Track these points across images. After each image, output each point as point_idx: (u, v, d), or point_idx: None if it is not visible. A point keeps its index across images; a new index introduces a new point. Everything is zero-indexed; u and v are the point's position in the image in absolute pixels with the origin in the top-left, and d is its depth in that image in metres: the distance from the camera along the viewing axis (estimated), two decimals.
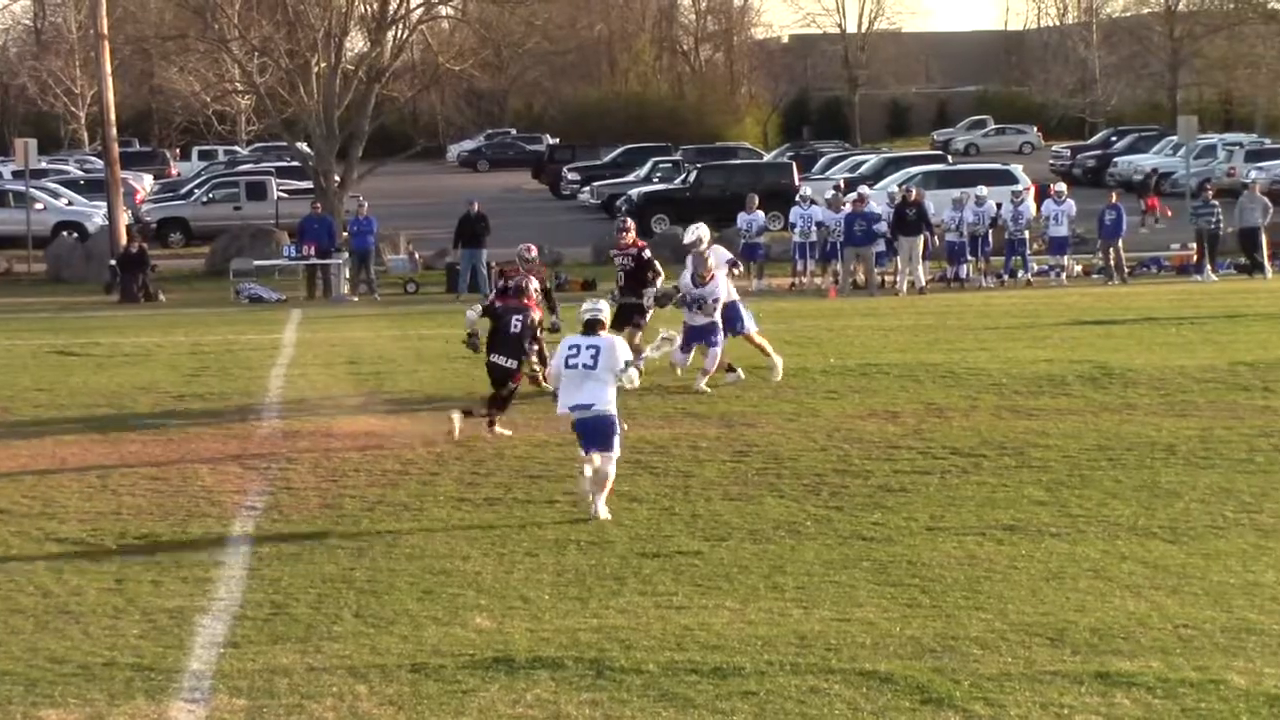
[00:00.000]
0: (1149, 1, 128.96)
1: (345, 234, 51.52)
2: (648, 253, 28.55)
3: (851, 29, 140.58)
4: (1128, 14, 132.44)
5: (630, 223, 29.85)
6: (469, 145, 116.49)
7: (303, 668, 13.20)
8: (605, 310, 20.37)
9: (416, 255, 54.95)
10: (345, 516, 18.64)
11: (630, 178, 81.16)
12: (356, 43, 62.60)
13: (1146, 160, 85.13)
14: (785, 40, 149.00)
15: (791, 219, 49.72)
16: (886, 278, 47.88)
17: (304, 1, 60.67)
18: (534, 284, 24.53)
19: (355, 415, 25.69)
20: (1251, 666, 12.78)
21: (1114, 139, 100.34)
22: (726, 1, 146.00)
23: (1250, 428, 22.74)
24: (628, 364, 19.24)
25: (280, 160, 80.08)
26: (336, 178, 57.76)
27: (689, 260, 27.18)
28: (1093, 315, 38.04)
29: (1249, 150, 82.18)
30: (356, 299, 48.44)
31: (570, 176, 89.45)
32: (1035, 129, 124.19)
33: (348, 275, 49.93)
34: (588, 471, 18.36)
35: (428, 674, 12.98)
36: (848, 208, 48.09)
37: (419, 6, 62.49)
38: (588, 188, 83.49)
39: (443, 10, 65.35)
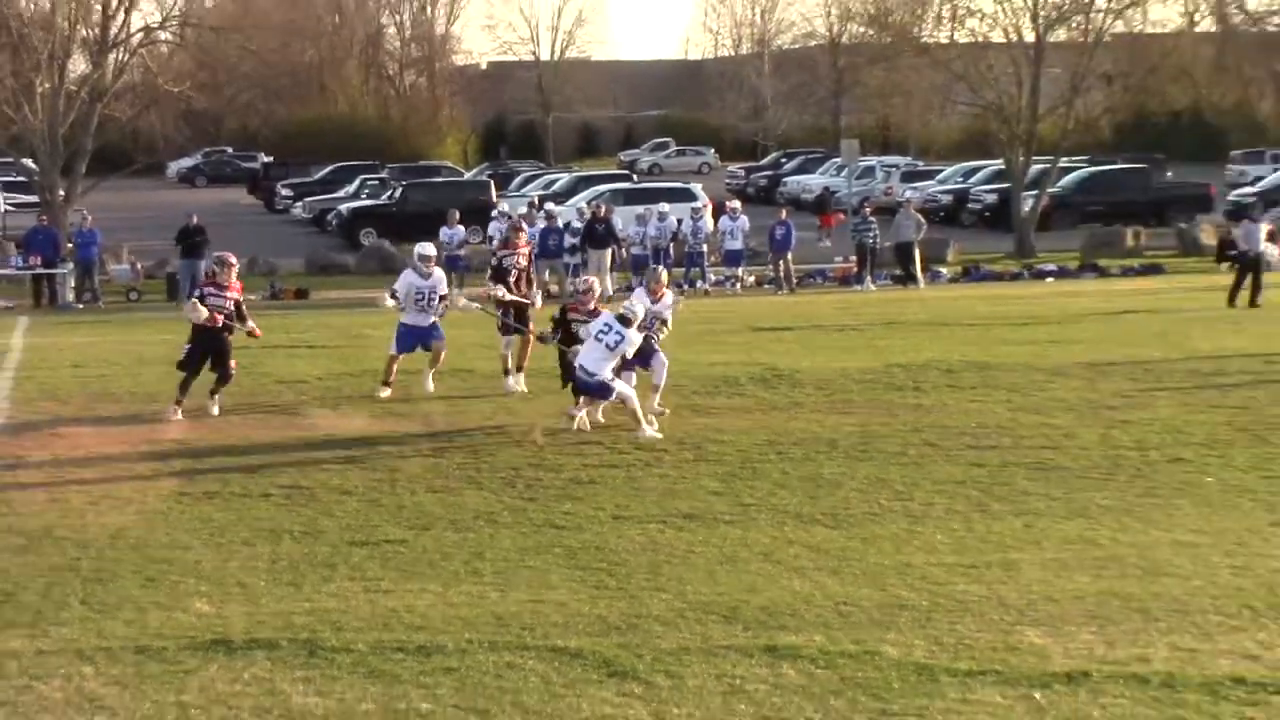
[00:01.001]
0: (815, 35, 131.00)
1: (70, 245, 50.73)
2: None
3: (545, 57, 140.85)
4: (796, 46, 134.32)
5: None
6: (187, 162, 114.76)
7: (31, 651, 13.05)
8: (640, 312, 23.43)
9: (138, 265, 54.25)
10: (71, 510, 18.38)
11: (340, 194, 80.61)
12: (79, 64, 61.58)
13: (813, 180, 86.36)
14: (484, 67, 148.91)
15: (490, 232, 49.87)
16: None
17: (28, 25, 59.63)
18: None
19: (80, 415, 25.35)
20: (903, 639, 13.10)
21: (784, 160, 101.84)
22: (429, 30, 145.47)
23: (903, 424, 23.25)
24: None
25: (6, 175, 78.39)
26: (61, 192, 56.85)
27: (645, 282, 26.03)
28: (765, 322, 38.59)
29: (904, 171, 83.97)
30: (81, 306, 47.74)
31: (284, 192, 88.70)
32: (713, 151, 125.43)
33: (73, 284, 49.22)
34: (575, 423, 23.09)
35: (151, 655, 12.89)
36: (543, 223, 48.34)
37: (139, 31, 61.84)
38: (300, 203, 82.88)
39: (161, 35, 64.40)
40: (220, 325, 25.02)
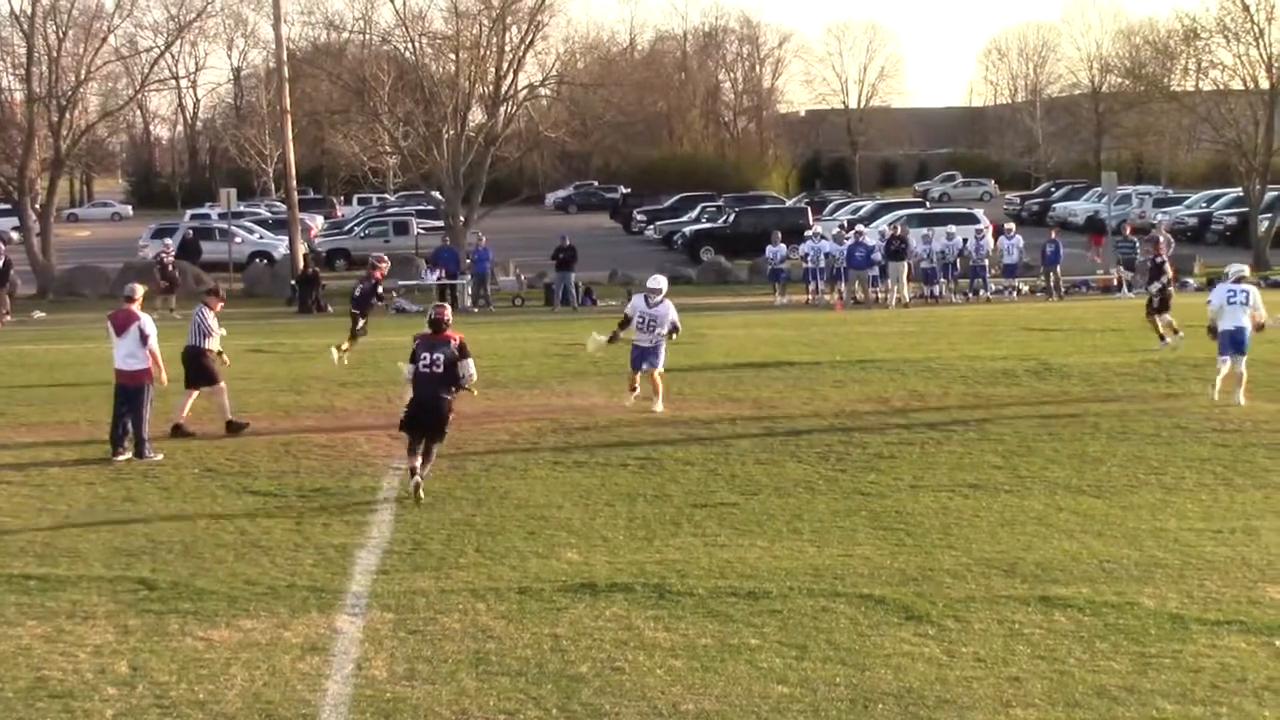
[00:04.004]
0: (1079, 85, 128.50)
1: (468, 260, 51.68)
2: (1161, 257, 32.44)
3: (853, 105, 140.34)
4: (1063, 94, 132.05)
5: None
6: (562, 193, 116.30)
7: (436, 590, 13.26)
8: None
9: (522, 277, 55.01)
10: (468, 475, 18.66)
11: (685, 218, 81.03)
12: (477, 115, 62.36)
13: (1078, 206, 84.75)
14: (802, 114, 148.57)
15: (805, 249, 49.63)
16: (879, 295, 47.74)
17: (437, 84, 60.73)
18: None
19: (475, 398, 25.69)
20: (1158, 592, 12.74)
21: (1053, 189, 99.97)
22: (758, 84, 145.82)
23: (1157, 410, 22.62)
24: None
25: (419, 204, 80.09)
26: (461, 218, 57.85)
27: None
28: (1037, 324, 37.88)
29: (1156, 199, 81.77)
30: (477, 310, 48.55)
31: (639, 217, 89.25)
32: (993, 182, 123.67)
33: (470, 292, 50.12)
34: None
35: (531, 595, 13.02)
36: (850, 240, 48.11)
37: (524, 89, 62.55)
38: (652, 226, 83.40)
39: (542, 91, 65.25)
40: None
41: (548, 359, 31.19)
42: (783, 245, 50.03)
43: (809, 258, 49.04)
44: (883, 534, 15.12)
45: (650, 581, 13.37)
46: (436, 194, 61.67)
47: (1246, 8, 62.45)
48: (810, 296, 48.31)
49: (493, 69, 60.48)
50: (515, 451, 20.37)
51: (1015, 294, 49.77)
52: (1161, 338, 30.92)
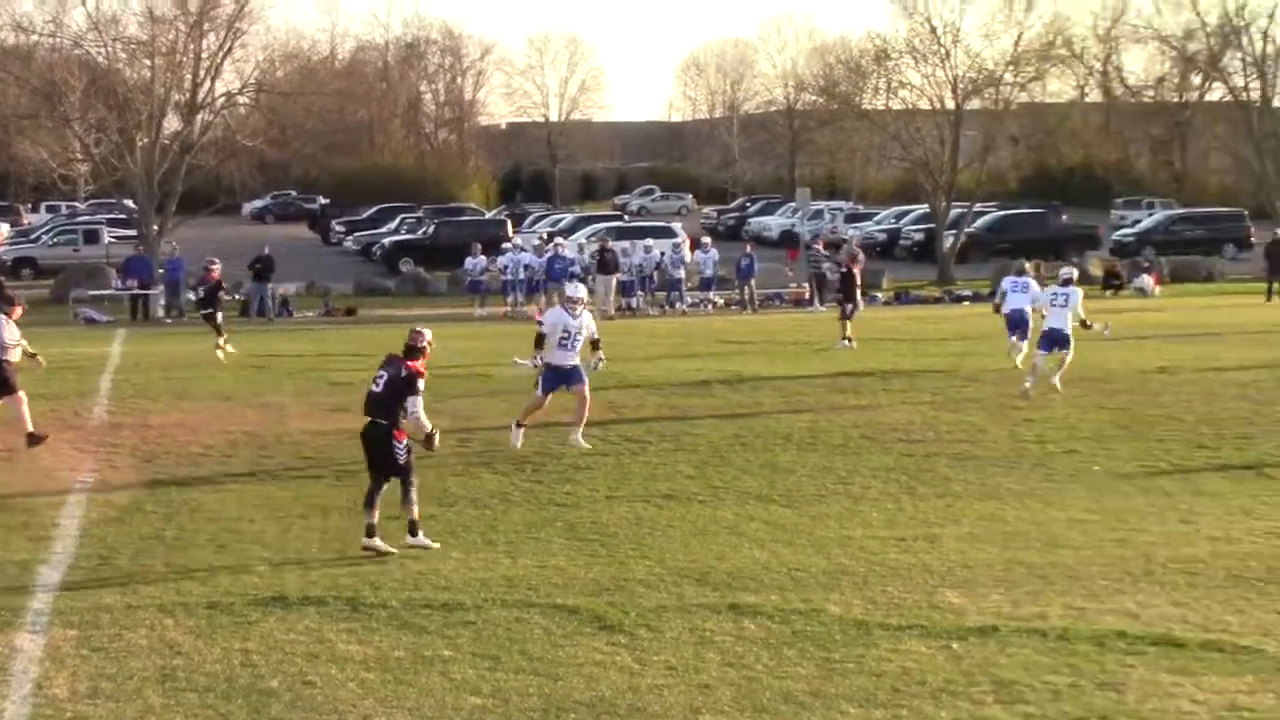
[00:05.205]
0: (775, 102, 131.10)
1: (161, 271, 50.62)
2: (852, 270, 36.14)
3: (554, 118, 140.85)
4: (759, 111, 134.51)
5: None
6: (259, 203, 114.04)
7: (122, 606, 12.96)
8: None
9: None
10: (158, 488, 18.29)
11: (384, 229, 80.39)
12: (172, 123, 61.09)
13: (773, 220, 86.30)
14: (504, 126, 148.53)
15: (504, 261, 49.67)
16: None
17: (131, 90, 59.40)
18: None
19: (167, 410, 25.21)
20: (844, 599, 13.05)
21: (749, 204, 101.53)
22: (459, 96, 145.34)
23: (846, 421, 23.17)
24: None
25: (111, 213, 78.03)
26: (155, 227, 56.62)
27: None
28: (732, 336, 38.49)
29: (847, 214, 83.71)
30: (169, 321, 47.60)
31: (337, 228, 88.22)
32: (691, 196, 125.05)
33: (163, 303, 49.14)
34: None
35: (221, 609, 12.82)
36: (550, 252, 48.34)
37: (222, 96, 61.63)
38: (351, 237, 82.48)
39: (240, 99, 64.26)
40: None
41: (242, 371, 30.68)
42: (482, 257, 49.97)
43: (508, 269, 49.11)
44: (577, 544, 15.22)
45: (343, 594, 13.25)
46: (129, 202, 60.23)
47: (934, 30, 64.59)
48: (509, 308, 48.35)
49: (189, 76, 59.35)
50: (208, 464, 20.00)
51: (711, 306, 50.52)
52: (845, 338, 34.22)
